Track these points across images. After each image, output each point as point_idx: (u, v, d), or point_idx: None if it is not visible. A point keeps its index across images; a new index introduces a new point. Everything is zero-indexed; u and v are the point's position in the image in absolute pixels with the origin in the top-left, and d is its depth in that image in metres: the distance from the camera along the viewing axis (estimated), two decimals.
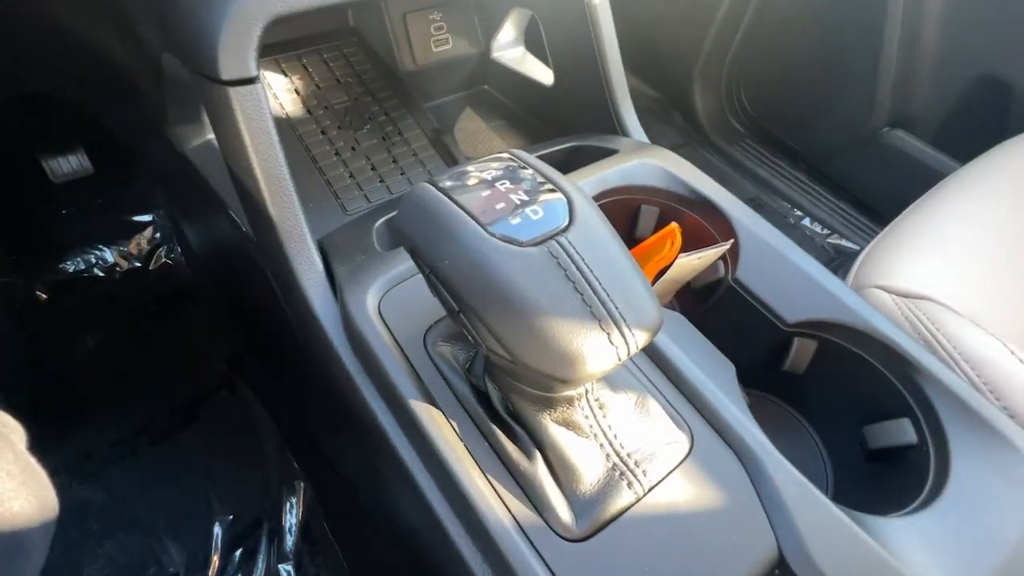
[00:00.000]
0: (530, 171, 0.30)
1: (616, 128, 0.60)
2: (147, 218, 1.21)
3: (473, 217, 0.27)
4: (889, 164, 1.20)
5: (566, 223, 0.28)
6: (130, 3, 0.47)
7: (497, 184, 0.29)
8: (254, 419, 0.93)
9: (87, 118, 0.94)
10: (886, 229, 0.67)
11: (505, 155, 0.32)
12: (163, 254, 1.18)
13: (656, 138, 0.58)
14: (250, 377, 0.96)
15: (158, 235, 1.20)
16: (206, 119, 0.57)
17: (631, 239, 0.58)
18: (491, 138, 0.70)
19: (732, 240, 0.50)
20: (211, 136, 0.57)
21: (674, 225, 0.52)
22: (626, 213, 0.55)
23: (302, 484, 0.85)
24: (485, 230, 0.27)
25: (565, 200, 0.29)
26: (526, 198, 0.28)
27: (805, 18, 1.24)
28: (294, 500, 0.85)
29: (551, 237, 0.27)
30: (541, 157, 0.54)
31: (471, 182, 0.29)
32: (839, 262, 1.23)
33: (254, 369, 0.96)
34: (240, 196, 0.45)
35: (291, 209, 0.43)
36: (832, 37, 1.21)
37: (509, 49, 0.77)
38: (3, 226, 1.09)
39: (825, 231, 1.28)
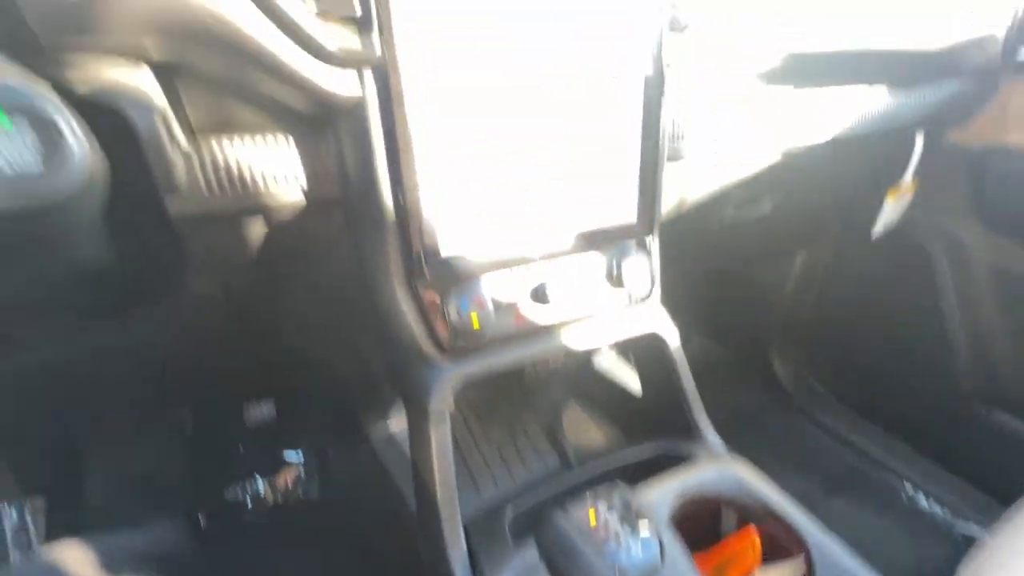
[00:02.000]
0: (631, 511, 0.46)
1: (694, 433, 0.75)
2: (295, 457, 1.46)
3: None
4: (990, 442, 1.18)
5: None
6: (370, 356, 0.75)
7: (609, 523, 0.44)
8: None
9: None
10: (1001, 519, 0.57)
11: (613, 494, 0.48)
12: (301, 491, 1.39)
13: (740, 405, 0.71)
14: None
15: (301, 473, 1.42)
16: (393, 418, 0.81)
17: (715, 535, 0.67)
18: (595, 434, 0.87)
19: (803, 555, 0.58)
20: (395, 430, 0.80)
21: (752, 530, 0.62)
22: (708, 512, 0.66)
23: None
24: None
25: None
26: (627, 533, 0.43)
27: (866, 296, 1.38)
28: None
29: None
30: (631, 464, 0.69)
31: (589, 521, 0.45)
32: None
33: None
34: (415, 483, 0.63)
35: (452, 502, 0.61)
36: (895, 314, 1.32)
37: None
38: (198, 457, 1.38)
39: (947, 513, 1.19)
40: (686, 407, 0.76)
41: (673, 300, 0.77)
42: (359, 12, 0.47)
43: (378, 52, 0.47)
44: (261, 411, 1.43)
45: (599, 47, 0.56)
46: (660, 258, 0.72)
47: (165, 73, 0.48)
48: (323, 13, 0.46)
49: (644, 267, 0.67)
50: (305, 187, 0.55)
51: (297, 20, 0.45)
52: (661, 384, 0.79)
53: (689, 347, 0.77)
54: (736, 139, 0.85)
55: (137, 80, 0.48)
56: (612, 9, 0.55)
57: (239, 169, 0.52)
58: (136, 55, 0.47)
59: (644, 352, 0.82)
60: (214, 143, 0.51)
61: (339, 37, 0.47)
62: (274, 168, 0.53)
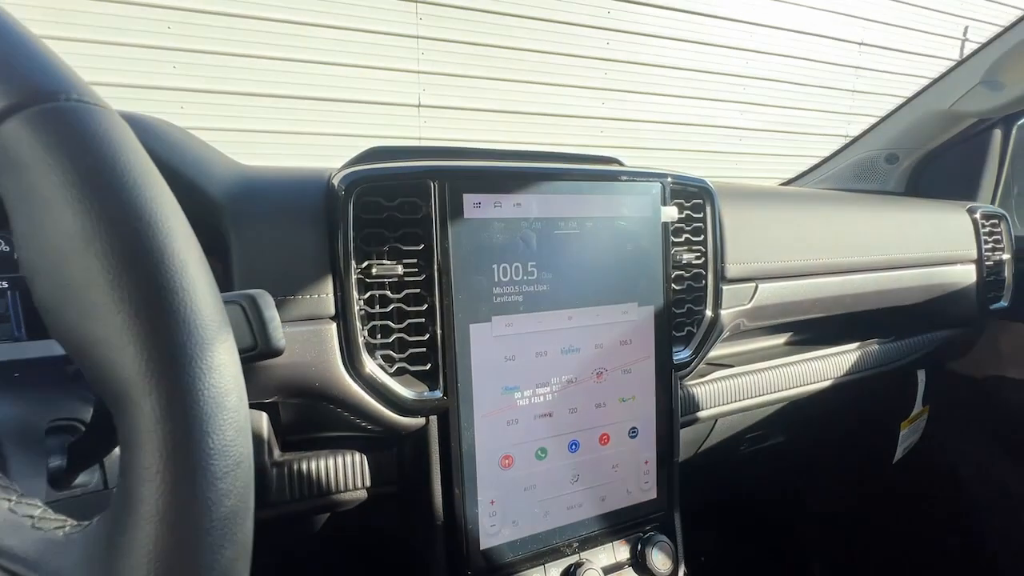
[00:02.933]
0: None
1: None
2: None
3: None
4: None
5: None
6: None
7: None
8: None
9: None
10: None
11: None
12: None
13: None
14: None
15: None
16: None
17: None
18: None
19: None
20: None
21: None
22: None
23: None
24: None
25: None
26: None
27: (893, 520, 1.35)
28: None
29: None
30: None
31: None
32: None
33: None
34: None
35: None
36: (921, 533, 1.28)
37: None
38: None
39: None
40: None
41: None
42: (428, 366, 0.61)
43: (443, 404, 0.60)
44: None
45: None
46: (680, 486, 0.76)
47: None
48: (400, 369, 0.60)
49: (668, 550, 0.72)
50: (368, 485, 0.65)
51: (384, 383, 0.58)
52: None
53: None
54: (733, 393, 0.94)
55: (253, 418, 0.61)
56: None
57: (318, 478, 0.63)
58: (258, 404, 0.61)
59: None
60: (301, 460, 0.62)
61: (414, 389, 0.60)
62: (346, 474, 0.64)
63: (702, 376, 0.92)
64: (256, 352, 0.35)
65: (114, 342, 0.21)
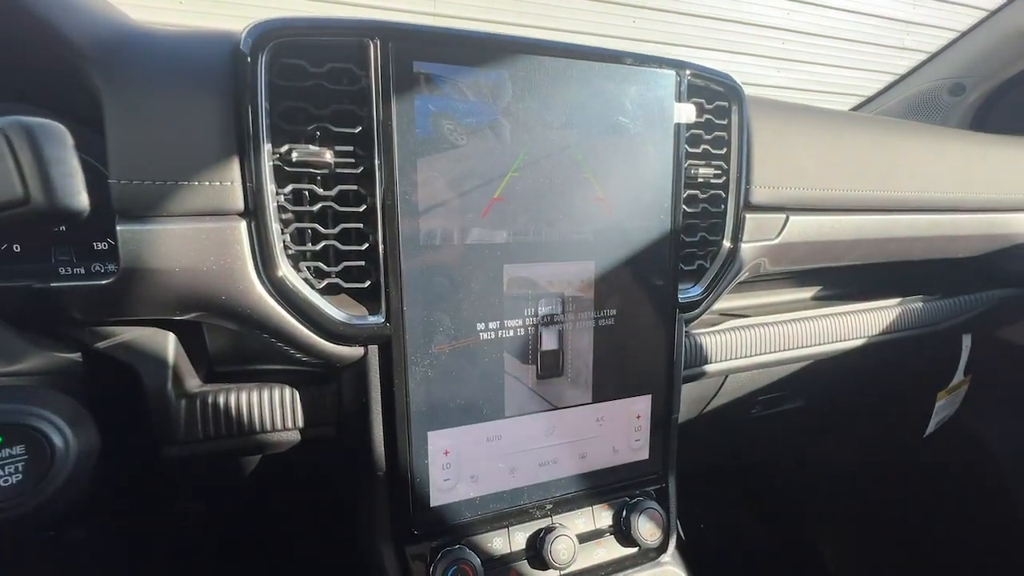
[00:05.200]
0: None
1: None
2: None
3: None
4: None
5: None
6: None
7: None
8: None
9: None
10: None
11: None
12: None
13: None
14: None
15: None
16: None
17: None
18: None
19: None
20: None
21: None
22: None
23: None
24: None
25: None
26: None
27: (917, 492, 1.24)
28: None
29: None
30: None
31: None
32: None
33: None
34: None
35: None
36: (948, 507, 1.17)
37: None
38: None
39: None
40: None
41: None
42: (367, 284, 0.49)
43: (383, 331, 0.48)
44: None
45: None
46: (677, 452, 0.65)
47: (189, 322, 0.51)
48: (333, 287, 0.49)
49: (658, 519, 0.61)
50: (301, 426, 0.55)
51: (308, 300, 0.47)
52: None
53: None
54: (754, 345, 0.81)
55: (155, 339, 0.50)
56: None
57: (239, 415, 0.52)
58: (162, 323, 0.50)
59: None
60: (219, 392, 0.52)
61: (349, 312, 0.48)
62: (273, 414, 0.53)
63: (712, 325, 0.79)
64: (27, 208, 0.23)
65: None
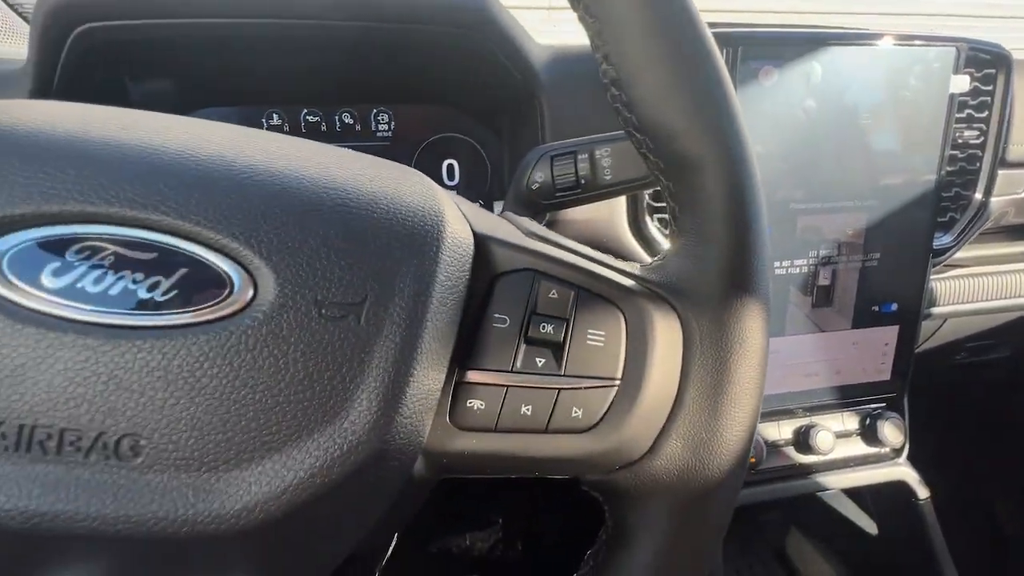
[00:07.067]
0: None
1: None
2: None
3: None
4: None
5: None
6: None
7: None
8: None
9: None
10: None
11: None
12: None
13: None
14: None
15: None
16: None
17: None
18: (824, 568, 0.91)
19: None
20: None
21: None
22: None
23: None
24: None
25: None
26: None
27: None
28: None
29: None
30: None
31: None
32: None
33: None
34: None
35: None
36: None
37: None
38: None
39: None
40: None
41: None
42: None
43: None
44: None
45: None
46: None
47: None
48: None
49: (900, 426, 0.74)
50: None
51: None
52: (904, 541, 0.82)
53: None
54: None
55: None
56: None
57: None
58: None
59: (886, 502, 0.86)
60: None
61: None
62: None
63: (938, 272, 0.87)
64: None
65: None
